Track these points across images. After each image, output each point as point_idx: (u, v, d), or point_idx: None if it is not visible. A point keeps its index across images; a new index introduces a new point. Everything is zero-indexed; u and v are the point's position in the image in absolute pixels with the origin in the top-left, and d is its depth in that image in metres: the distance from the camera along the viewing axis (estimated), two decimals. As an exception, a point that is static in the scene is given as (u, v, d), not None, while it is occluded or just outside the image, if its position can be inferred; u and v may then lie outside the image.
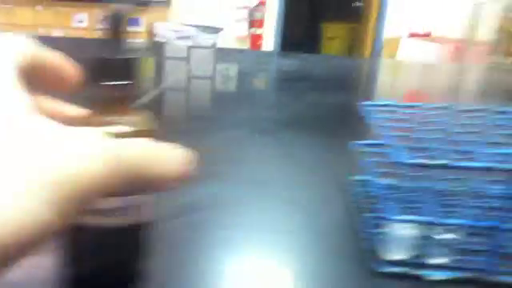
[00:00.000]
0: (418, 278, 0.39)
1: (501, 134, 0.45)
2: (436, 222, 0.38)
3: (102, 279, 0.33)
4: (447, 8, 4.09)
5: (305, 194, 0.55)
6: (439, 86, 1.41)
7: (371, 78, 1.56)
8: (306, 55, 1.72)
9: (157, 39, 4.00)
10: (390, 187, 0.41)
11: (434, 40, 3.87)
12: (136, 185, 0.23)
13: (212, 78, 1.31)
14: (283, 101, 1.09)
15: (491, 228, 0.38)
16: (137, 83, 0.31)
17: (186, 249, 0.43)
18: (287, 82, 1.31)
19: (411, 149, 0.40)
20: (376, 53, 4.28)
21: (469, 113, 0.49)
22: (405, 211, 0.40)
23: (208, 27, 4.15)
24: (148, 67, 1.38)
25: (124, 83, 0.30)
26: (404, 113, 0.48)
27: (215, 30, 4.21)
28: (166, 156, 0.25)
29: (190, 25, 4.13)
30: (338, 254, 0.44)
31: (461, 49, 3.80)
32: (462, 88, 1.44)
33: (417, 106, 0.48)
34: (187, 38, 4.10)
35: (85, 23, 4.30)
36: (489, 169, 0.36)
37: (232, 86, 1.27)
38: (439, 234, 0.40)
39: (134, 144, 0.23)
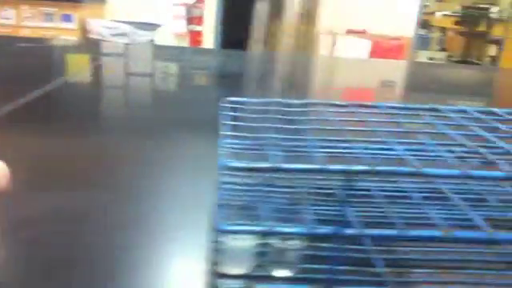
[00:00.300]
0: (258, 293, 0.36)
1: (352, 131, 0.42)
2: (271, 231, 0.34)
3: None
4: (382, 6, 4.16)
5: (168, 200, 0.51)
6: (363, 81, 1.40)
7: (292, 74, 1.53)
8: (241, 52, 1.68)
9: (91, 37, 3.84)
10: (229, 192, 0.37)
11: (368, 37, 3.93)
12: None
13: (133, 76, 1.25)
14: (191, 100, 1.04)
15: (330, 235, 0.34)
16: None
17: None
18: (206, 80, 1.26)
19: (248, 149, 0.36)
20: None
21: (331, 108, 0.46)
22: (243, 219, 0.37)
23: (144, 24, 4.03)
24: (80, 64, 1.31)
25: None
26: (261, 110, 0.44)
27: (152, 27, 4.10)
28: None
29: (126, 21, 4.00)
30: (185, 267, 0.39)
31: (393, 45, 3.88)
32: (387, 83, 1.44)
33: (275, 103, 0.44)
34: (123, 35, 3.97)
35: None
36: (321, 170, 0.32)
37: (144, 85, 1.21)
38: (282, 243, 0.36)
39: None
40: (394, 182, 0.52)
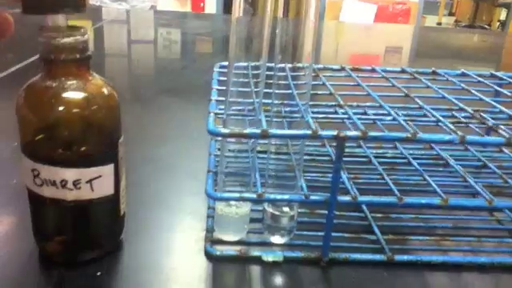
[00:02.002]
0: (254, 260, 0.35)
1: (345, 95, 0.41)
2: (262, 198, 0.33)
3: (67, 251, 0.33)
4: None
5: (165, 167, 0.50)
6: (369, 47, 1.37)
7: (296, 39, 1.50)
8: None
9: (90, 3, 3.78)
10: (221, 159, 0.36)
11: (374, 1, 3.84)
12: None
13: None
14: (191, 66, 1.02)
15: (322, 203, 0.33)
16: None
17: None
18: (207, 47, 1.24)
19: (238, 115, 0.35)
20: (320, 14, 4.21)
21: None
22: (235, 186, 0.36)
23: (145, -11, 3.94)
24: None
25: None
26: (253, 74, 0.42)
27: (153, -8, 4.02)
28: None
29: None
30: (182, 235, 0.39)
31: (399, 10, 3.79)
32: (393, 49, 1.41)
33: (268, 68, 0.43)
34: (123, 0, 3.90)
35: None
36: (311, 136, 0.31)
37: (146, 52, 1.19)
38: (277, 209, 0.36)
39: None
40: (394, 148, 0.51)
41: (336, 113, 0.48)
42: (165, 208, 0.42)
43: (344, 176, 0.38)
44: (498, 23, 5.24)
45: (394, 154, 0.51)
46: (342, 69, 0.49)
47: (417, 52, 1.38)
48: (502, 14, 5.11)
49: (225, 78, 0.42)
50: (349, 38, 1.54)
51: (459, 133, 0.32)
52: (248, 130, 0.31)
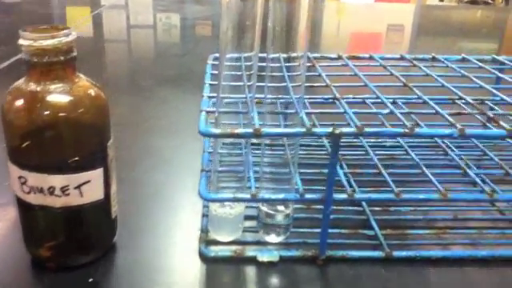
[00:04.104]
0: (249, 260, 0.34)
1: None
2: (256, 198, 0.32)
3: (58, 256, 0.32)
4: None
5: (161, 162, 0.49)
6: (370, 27, 1.35)
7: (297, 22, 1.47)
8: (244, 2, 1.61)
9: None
10: (215, 157, 0.35)
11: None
12: None
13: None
14: (186, 52, 1.00)
15: (318, 201, 0.33)
16: None
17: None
18: (207, 33, 1.22)
19: (230, 112, 0.34)
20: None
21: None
22: (229, 185, 0.35)
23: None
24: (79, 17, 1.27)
25: None
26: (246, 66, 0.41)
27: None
28: None
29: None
30: (179, 232, 0.38)
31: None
32: (395, 28, 1.38)
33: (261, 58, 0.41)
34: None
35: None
36: (305, 134, 0.30)
37: (142, 37, 1.17)
38: (271, 209, 0.35)
39: None
40: (391, 138, 0.50)
41: (334, 103, 0.46)
42: (159, 207, 0.41)
43: (340, 172, 0.37)
44: (502, -2, 5.15)
45: (393, 142, 0.50)
46: (339, 57, 0.47)
47: (419, 30, 1.35)
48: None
49: (217, 72, 0.41)
50: (350, 18, 1.52)
51: (458, 126, 0.31)
52: (240, 130, 0.30)
